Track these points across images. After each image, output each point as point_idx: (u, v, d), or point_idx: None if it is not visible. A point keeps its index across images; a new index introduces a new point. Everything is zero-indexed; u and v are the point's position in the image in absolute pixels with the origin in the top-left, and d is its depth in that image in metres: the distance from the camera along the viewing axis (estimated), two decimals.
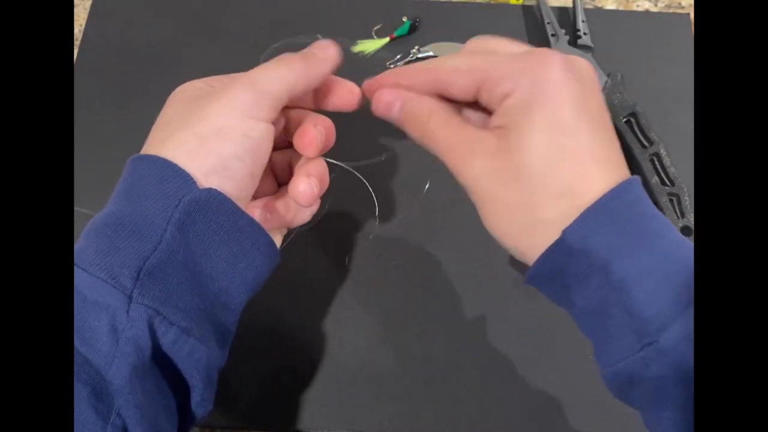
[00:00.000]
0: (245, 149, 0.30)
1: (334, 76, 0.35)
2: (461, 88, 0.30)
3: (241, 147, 0.30)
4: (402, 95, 0.32)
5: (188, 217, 0.29)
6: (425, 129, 0.31)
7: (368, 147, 0.52)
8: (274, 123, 0.32)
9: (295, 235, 0.38)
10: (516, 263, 0.48)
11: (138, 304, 0.27)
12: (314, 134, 0.33)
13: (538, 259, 0.29)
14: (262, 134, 0.31)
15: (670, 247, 0.27)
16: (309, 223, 0.37)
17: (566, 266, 0.28)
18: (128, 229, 0.28)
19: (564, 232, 0.27)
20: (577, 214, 0.27)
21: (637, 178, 0.29)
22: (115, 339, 0.27)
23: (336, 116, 0.35)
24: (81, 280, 0.27)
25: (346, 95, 0.35)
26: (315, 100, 0.36)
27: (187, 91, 0.33)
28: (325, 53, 0.33)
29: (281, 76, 0.31)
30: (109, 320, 0.27)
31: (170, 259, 0.28)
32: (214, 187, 0.29)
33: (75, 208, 0.46)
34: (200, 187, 0.29)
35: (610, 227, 0.27)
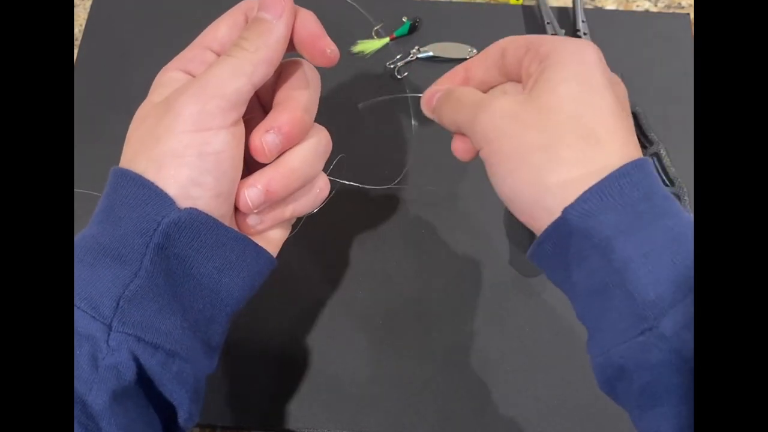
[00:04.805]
0: (203, 171, 0.28)
1: (313, 25, 0.31)
2: (515, 50, 0.32)
3: (197, 170, 0.28)
4: (442, 88, 0.34)
5: (168, 240, 0.28)
6: (450, 99, 0.33)
7: (374, 169, 0.52)
8: (245, 115, 0.29)
9: (294, 237, 0.38)
10: (516, 262, 0.48)
11: (118, 333, 0.27)
12: (258, 144, 0.30)
13: (540, 236, 0.29)
14: (224, 144, 0.28)
15: (677, 227, 0.26)
16: (318, 207, 0.35)
17: (567, 245, 0.28)
18: (109, 255, 0.28)
19: (564, 210, 0.27)
20: (589, 182, 0.27)
21: (648, 160, 0.28)
22: (94, 366, 0.26)
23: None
24: None
25: (319, 55, 0.31)
26: (291, 44, 0.31)
27: (154, 92, 0.31)
28: (275, 10, 0.30)
29: (235, 70, 0.28)
30: (89, 349, 0.26)
31: (150, 285, 0.28)
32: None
33: (74, 208, 0.46)
34: (179, 207, 0.28)
35: (614, 207, 0.26)
